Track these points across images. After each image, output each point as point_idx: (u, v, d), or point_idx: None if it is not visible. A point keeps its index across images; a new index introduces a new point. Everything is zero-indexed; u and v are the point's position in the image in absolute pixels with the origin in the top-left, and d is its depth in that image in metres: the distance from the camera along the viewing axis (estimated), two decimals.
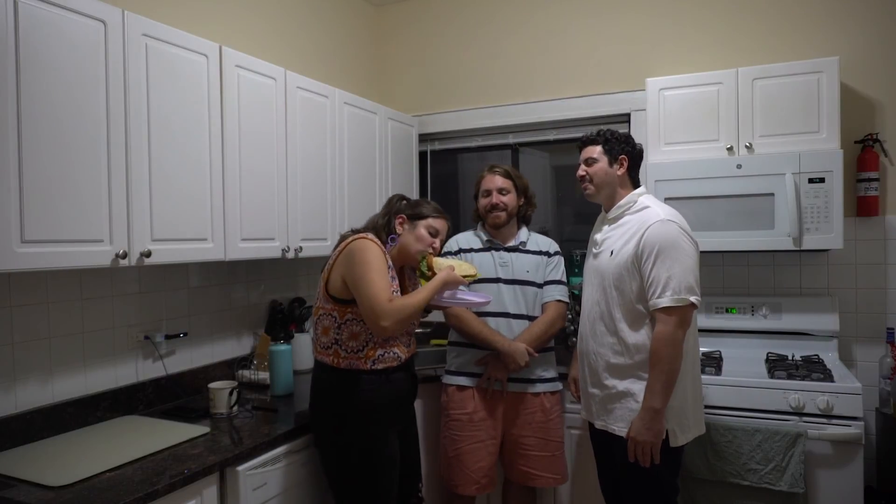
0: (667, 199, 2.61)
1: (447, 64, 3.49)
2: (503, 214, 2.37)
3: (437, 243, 2.05)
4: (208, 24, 2.44)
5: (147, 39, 1.83)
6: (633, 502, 1.98)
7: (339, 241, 1.98)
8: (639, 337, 1.89)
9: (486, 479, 2.32)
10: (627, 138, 2.07)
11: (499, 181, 2.38)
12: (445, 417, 2.37)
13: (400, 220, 2.02)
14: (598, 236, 2.09)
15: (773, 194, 2.49)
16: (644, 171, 2.69)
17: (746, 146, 2.58)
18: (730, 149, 2.61)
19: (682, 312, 1.82)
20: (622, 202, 2.02)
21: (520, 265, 2.37)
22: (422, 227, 2.01)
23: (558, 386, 2.40)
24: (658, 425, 1.82)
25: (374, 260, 1.84)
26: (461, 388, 2.34)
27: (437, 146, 3.56)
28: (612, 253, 1.96)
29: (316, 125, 2.56)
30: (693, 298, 1.82)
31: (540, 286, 2.38)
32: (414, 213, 2.03)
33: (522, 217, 2.46)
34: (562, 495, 2.57)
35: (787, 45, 2.78)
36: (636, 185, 2.07)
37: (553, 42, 3.23)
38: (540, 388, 2.34)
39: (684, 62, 2.92)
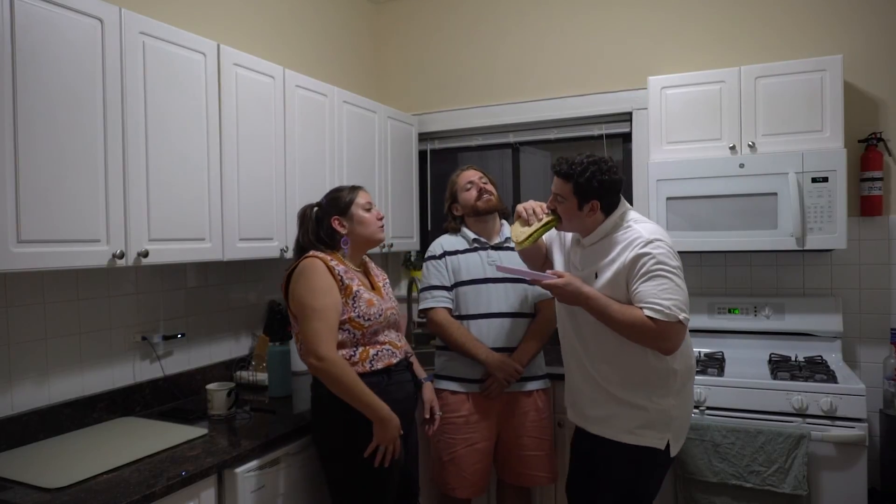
0: (669, 199, 2.61)
1: (447, 62, 3.47)
2: (492, 197, 2.37)
3: (380, 212, 2.05)
4: (206, 22, 2.42)
5: (144, 37, 1.81)
6: None
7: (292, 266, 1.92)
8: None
9: (481, 482, 2.32)
10: (601, 176, 1.81)
11: (476, 173, 2.41)
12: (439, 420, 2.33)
13: (335, 221, 1.96)
14: (576, 260, 1.97)
15: (776, 194, 2.47)
16: (646, 171, 2.70)
17: (749, 145, 2.56)
18: (732, 148, 2.59)
19: (669, 328, 1.72)
20: (598, 231, 1.88)
21: (509, 263, 2.33)
22: (358, 211, 1.98)
23: (548, 384, 2.40)
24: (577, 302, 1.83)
25: (318, 285, 1.81)
26: (454, 392, 2.31)
27: (437, 145, 3.54)
28: (596, 275, 1.87)
29: (315, 124, 2.54)
30: (682, 316, 1.72)
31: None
32: (340, 208, 1.98)
33: (501, 212, 2.45)
34: (552, 494, 2.57)
35: (790, 44, 2.76)
36: (610, 210, 1.87)
37: (554, 40, 3.22)
38: (532, 386, 2.33)
39: (686, 60, 2.91)
